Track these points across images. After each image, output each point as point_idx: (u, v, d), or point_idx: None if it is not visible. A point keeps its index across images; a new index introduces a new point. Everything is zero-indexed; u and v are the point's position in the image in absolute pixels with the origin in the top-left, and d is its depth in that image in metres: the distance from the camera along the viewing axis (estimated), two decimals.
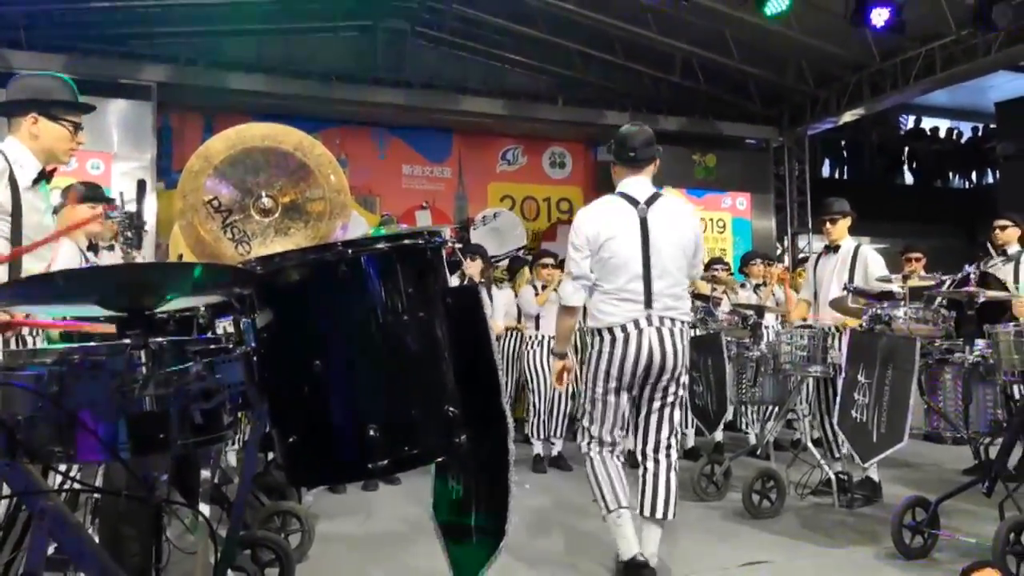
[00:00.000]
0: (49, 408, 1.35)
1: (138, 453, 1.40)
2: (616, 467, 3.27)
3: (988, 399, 3.52)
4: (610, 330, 3.21)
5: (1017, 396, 3.55)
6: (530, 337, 6.07)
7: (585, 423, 3.34)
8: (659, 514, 3.20)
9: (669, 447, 3.26)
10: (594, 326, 3.30)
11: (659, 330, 3.20)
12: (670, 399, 3.27)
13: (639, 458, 3.30)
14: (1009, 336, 3.32)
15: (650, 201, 3.28)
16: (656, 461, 3.24)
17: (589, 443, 3.32)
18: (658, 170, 3.42)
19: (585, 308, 3.39)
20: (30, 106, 2.76)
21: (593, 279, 3.26)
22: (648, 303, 3.19)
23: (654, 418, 3.27)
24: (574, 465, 5.95)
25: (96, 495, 2.12)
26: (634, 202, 3.27)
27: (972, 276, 3.79)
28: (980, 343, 3.55)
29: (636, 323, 3.19)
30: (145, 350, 1.39)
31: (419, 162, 10.41)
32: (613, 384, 3.23)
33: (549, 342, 5.98)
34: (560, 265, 6.22)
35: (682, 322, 3.27)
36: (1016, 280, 4.81)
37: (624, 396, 3.25)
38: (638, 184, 3.33)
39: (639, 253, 3.19)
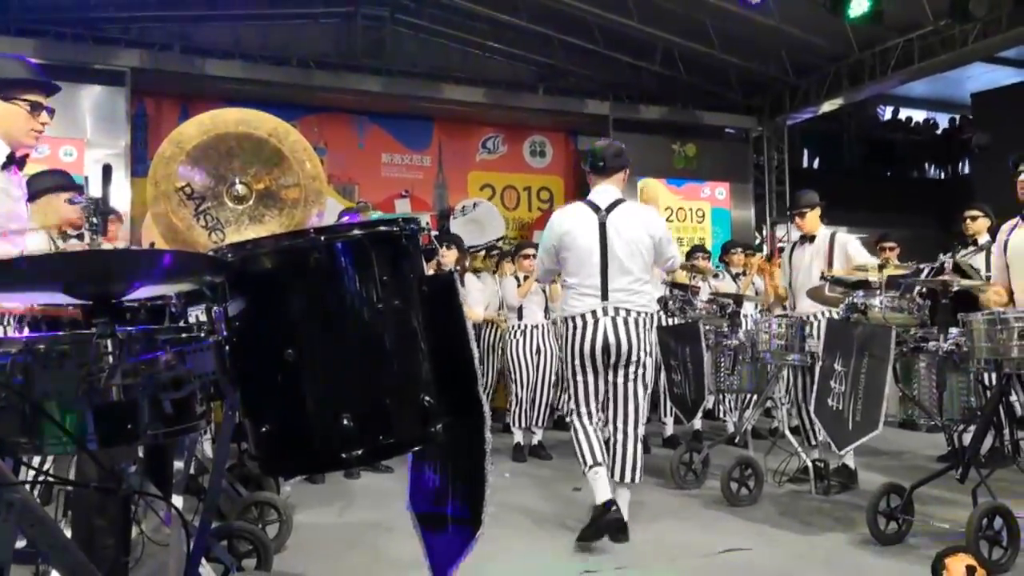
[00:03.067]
0: (13, 398, 1.32)
1: (106, 444, 1.38)
2: (594, 431, 3.75)
3: (961, 387, 3.55)
4: (573, 319, 3.75)
5: (990, 384, 3.59)
6: (512, 327, 6.07)
7: (570, 393, 3.88)
8: (627, 478, 3.71)
9: (636, 422, 3.75)
10: (562, 314, 3.86)
11: (614, 320, 3.69)
12: (631, 378, 3.73)
13: (610, 430, 3.75)
14: (982, 324, 3.35)
15: (611, 207, 3.76)
16: (625, 433, 3.74)
17: (572, 413, 3.85)
18: (626, 175, 3.91)
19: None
20: None
21: (550, 279, 4.05)
22: (604, 296, 3.69)
23: (620, 395, 3.75)
24: (554, 454, 5.98)
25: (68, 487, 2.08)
26: (596, 208, 3.77)
27: (946, 265, 3.82)
28: (954, 331, 3.58)
29: (594, 313, 3.70)
30: (112, 339, 1.36)
31: (399, 150, 10.30)
32: (578, 363, 3.76)
33: (531, 332, 6.02)
34: None
35: (637, 313, 3.71)
36: (987, 269, 4.85)
37: (591, 375, 3.76)
38: (604, 192, 3.82)
39: (597, 254, 3.71)
